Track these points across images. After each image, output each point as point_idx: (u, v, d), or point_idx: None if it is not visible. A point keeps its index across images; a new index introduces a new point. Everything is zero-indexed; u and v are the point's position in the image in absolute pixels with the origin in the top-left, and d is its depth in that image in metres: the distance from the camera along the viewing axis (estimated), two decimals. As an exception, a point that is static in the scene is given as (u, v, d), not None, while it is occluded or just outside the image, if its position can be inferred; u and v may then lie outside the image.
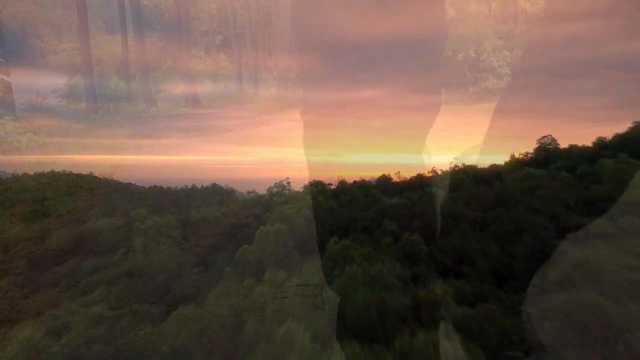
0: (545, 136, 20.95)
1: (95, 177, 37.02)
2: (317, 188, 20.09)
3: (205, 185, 40.25)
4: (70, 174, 36.59)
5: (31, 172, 39.88)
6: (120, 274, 15.17)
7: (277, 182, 23.19)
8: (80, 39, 72.31)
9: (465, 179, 18.63)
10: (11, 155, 65.67)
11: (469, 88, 67.41)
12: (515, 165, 19.85)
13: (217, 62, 70.40)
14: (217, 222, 20.75)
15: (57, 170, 38.18)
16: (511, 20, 79.09)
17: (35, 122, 67.12)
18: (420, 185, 19.36)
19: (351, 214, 15.81)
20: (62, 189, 32.32)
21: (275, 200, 20.23)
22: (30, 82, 67.29)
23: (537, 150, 20.92)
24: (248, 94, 67.39)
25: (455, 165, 23.91)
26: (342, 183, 21.35)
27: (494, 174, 20.39)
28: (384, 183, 19.56)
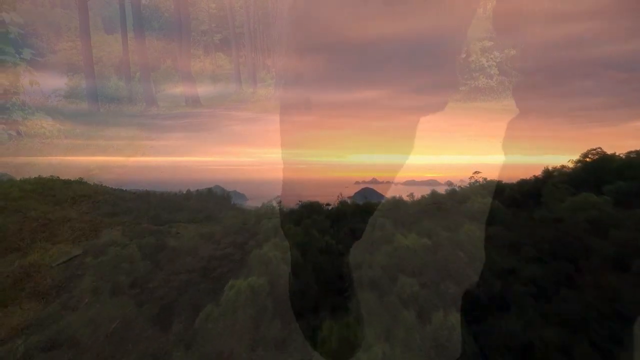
0: (594, 149, 15.62)
1: (84, 183, 31.71)
2: (311, 210, 14.92)
3: (202, 189, 34.79)
4: (57, 180, 31.12)
5: (33, 174, 34.84)
6: (44, 342, 10.28)
7: (266, 202, 18.11)
8: (82, 39, 67.05)
9: (496, 205, 13.46)
10: (11, 157, 61.49)
11: (470, 89, 61.72)
12: (555, 183, 14.61)
13: (216, 61, 64.93)
14: (193, 252, 15.63)
15: (49, 175, 32.89)
16: (513, 20, 72.79)
17: (37, 123, 62.73)
18: (438, 208, 14.24)
19: (355, 258, 10.80)
20: (46, 198, 27.05)
21: (262, 227, 15.10)
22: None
23: (582, 165, 15.59)
24: (247, 94, 62.17)
25: (475, 180, 18.60)
26: (343, 205, 16.09)
27: (527, 194, 15.20)
28: (394, 207, 14.36)
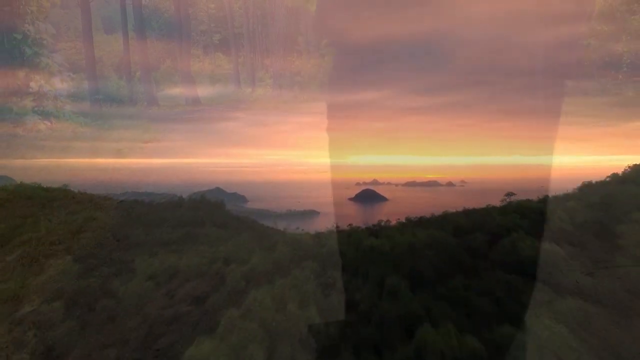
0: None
1: (68, 191, 26.79)
2: (291, 254, 9.83)
3: (196, 194, 29.94)
4: (38, 189, 26.04)
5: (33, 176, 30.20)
6: None
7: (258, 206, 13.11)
8: (84, 40, 62.26)
9: (557, 251, 8.33)
10: (14, 159, 57.78)
11: (471, 89, 55.91)
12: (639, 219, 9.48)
13: (215, 61, 59.49)
14: (138, 307, 10.75)
15: (33, 181, 28.01)
16: (512, 21, 66.11)
17: (38, 124, 59.00)
18: (470, 253, 9.10)
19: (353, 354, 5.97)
20: (17, 209, 22.28)
21: (229, 273, 10.18)
22: (14, 82, 58.92)
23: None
24: (246, 93, 56.91)
25: (507, 201, 13.46)
26: (336, 234, 10.98)
27: (587, 227, 10.04)
28: (408, 252, 9.19)
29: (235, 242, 12.88)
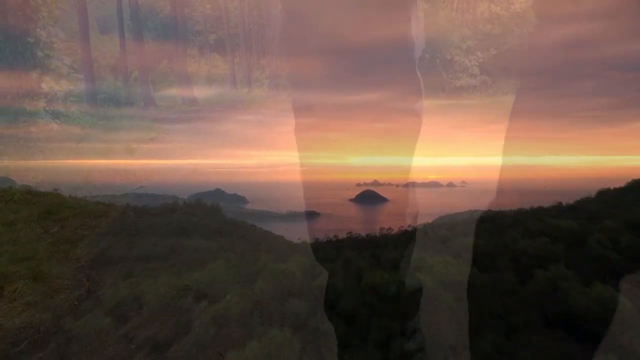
0: None
1: (59, 195, 24.39)
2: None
3: (196, 193, 27.83)
4: (28, 193, 23.65)
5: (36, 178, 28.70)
6: None
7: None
8: (81, 41, 60.51)
9: (614, 297, 5.99)
10: (16, 160, 56.49)
11: (473, 90, 52.93)
12: None
13: (211, 61, 57.12)
14: (91, 352, 8.56)
15: (24, 183, 26.04)
16: (512, 22, 62.69)
17: (50, 124, 57.88)
18: (498, 289, 6.53)
19: None
20: (7, 218, 19.91)
21: (199, 323, 7.98)
22: (28, 83, 57.67)
23: None
24: (242, 94, 54.63)
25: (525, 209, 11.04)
26: (332, 260, 8.47)
27: (633, 249, 7.62)
28: (418, 289, 6.79)
29: (213, 267, 10.63)
